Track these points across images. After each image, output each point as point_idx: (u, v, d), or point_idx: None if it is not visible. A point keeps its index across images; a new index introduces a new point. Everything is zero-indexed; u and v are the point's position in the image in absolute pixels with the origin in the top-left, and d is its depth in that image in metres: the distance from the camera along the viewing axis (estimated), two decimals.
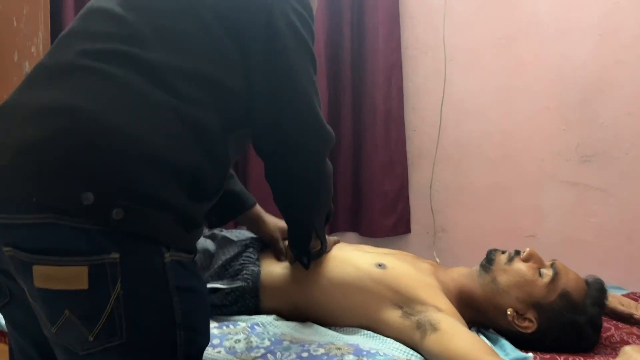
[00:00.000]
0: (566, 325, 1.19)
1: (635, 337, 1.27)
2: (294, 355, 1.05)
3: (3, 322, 0.96)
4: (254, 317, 1.21)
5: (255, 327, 1.16)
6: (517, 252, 1.26)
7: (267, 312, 1.24)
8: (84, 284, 0.75)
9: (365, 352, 1.05)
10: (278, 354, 1.06)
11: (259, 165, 1.12)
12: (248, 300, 1.25)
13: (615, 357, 1.10)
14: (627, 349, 1.07)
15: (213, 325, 1.15)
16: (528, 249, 1.26)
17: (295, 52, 0.95)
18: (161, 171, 0.80)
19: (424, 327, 1.10)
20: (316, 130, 1.01)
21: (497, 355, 1.04)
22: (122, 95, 0.81)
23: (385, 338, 1.14)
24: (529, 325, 1.20)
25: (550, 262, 1.25)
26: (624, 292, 1.55)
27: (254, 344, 1.10)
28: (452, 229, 2.09)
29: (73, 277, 0.75)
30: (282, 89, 0.95)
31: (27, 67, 1.84)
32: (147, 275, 0.79)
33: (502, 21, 1.97)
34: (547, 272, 1.22)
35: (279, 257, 1.33)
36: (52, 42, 1.45)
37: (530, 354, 1.12)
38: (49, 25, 1.86)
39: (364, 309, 1.19)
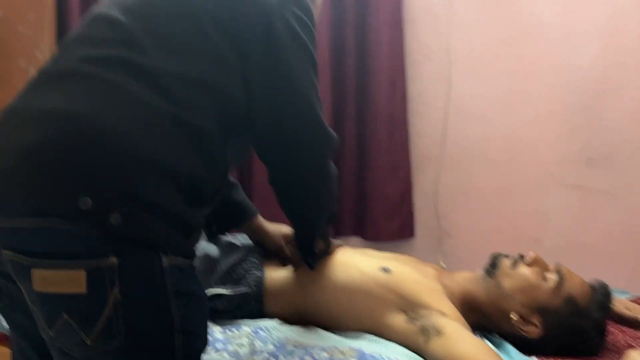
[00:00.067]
0: (571, 330, 1.19)
1: None
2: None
3: (6, 324, 0.97)
4: (257, 321, 1.21)
5: (259, 331, 1.16)
6: (522, 257, 1.26)
7: (271, 317, 1.24)
8: (82, 288, 0.75)
9: (369, 357, 1.05)
10: (282, 358, 1.06)
11: (263, 172, 1.12)
12: (252, 306, 1.25)
13: None
14: (632, 353, 1.07)
15: (217, 329, 1.16)
16: (532, 254, 1.25)
17: (295, 54, 0.95)
18: (159, 176, 0.81)
19: (428, 332, 1.10)
20: (316, 131, 1.01)
21: None
22: (120, 101, 0.82)
23: (389, 342, 1.13)
24: (533, 330, 1.19)
25: (555, 267, 1.25)
26: (629, 297, 1.54)
27: (258, 348, 1.10)
28: (456, 233, 2.08)
29: (71, 280, 0.75)
30: (281, 90, 0.96)
31: (33, 73, 1.85)
32: (145, 279, 0.79)
33: (506, 25, 1.97)
34: (552, 277, 1.22)
35: (284, 263, 1.33)
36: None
37: (535, 359, 1.12)
38: (54, 31, 1.87)
39: (368, 313, 1.19)
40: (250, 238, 1.38)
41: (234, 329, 1.16)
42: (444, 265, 2.00)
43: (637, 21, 1.81)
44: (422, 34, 2.08)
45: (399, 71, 2.06)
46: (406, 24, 2.08)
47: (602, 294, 1.22)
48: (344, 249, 1.35)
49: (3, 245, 0.79)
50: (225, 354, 1.08)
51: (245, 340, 1.11)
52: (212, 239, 1.34)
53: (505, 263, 1.26)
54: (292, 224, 1.18)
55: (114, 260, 0.76)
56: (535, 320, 1.19)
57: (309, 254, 1.21)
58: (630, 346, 1.24)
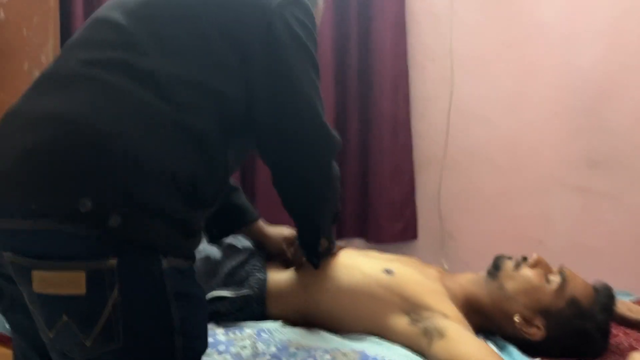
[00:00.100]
0: (574, 332, 1.18)
1: None
2: None
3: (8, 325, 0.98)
4: (260, 323, 1.21)
5: (262, 333, 1.16)
6: (524, 259, 1.26)
7: (274, 319, 1.24)
8: (81, 289, 0.76)
9: (371, 359, 1.05)
10: None
11: (266, 175, 1.13)
12: (254, 308, 1.25)
13: None
14: (636, 355, 1.06)
15: (219, 331, 1.16)
16: (535, 255, 1.25)
17: (295, 55, 0.96)
18: (158, 179, 0.81)
19: (430, 334, 1.10)
20: (317, 131, 1.02)
21: None
22: (120, 103, 0.82)
23: (391, 344, 1.13)
24: (536, 332, 1.19)
25: (558, 269, 1.25)
26: (633, 299, 1.54)
27: (260, 350, 1.10)
28: (459, 235, 2.08)
29: (71, 282, 0.76)
30: (282, 91, 0.96)
31: (37, 76, 1.86)
32: (145, 281, 0.80)
33: (509, 27, 1.97)
34: (555, 279, 1.21)
35: (287, 265, 1.33)
36: None
37: None
38: (58, 34, 1.88)
39: (371, 315, 1.19)
40: (252, 241, 1.39)
41: (236, 331, 1.16)
42: (447, 267, 2.00)
43: None
44: (424, 36, 2.09)
45: (401, 74, 2.07)
46: (409, 28, 2.08)
47: (605, 296, 1.22)
48: (346, 250, 1.36)
49: (3, 246, 0.79)
50: (227, 356, 1.08)
51: (247, 342, 1.12)
52: (213, 242, 1.34)
53: (508, 265, 1.26)
54: (296, 224, 1.18)
55: (113, 261, 0.76)
56: (538, 322, 1.19)
57: (314, 253, 1.21)
58: (634, 348, 1.23)
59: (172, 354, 0.82)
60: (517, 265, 1.25)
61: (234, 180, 1.33)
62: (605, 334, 1.21)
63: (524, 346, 1.19)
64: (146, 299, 0.80)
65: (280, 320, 1.24)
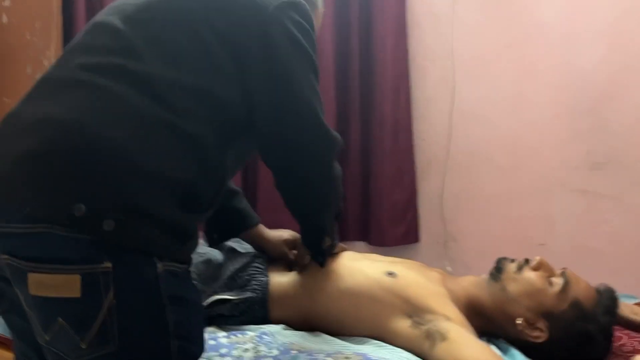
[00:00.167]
0: (577, 335, 1.18)
1: None
2: None
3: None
4: (262, 326, 1.21)
5: (264, 336, 1.16)
6: (527, 261, 1.26)
7: (276, 322, 1.24)
8: (76, 292, 0.76)
9: None
10: None
11: (269, 178, 1.13)
12: (257, 311, 1.25)
13: None
14: (639, 358, 1.06)
15: (221, 334, 1.16)
16: (538, 258, 1.25)
17: (294, 58, 0.96)
18: (153, 184, 0.81)
19: (433, 337, 1.10)
20: (317, 133, 1.02)
21: None
22: (114, 107, 0.82)
23: (394, 347, 1.13)
24: (539, 335, 1.19)
25: (561, 271, 1.24)
26: (636, 301, 1.53)
27: (262, 353, 1.10)
28: (461, 237, 2.08)
29: (66, 285, 0.76)
30: (281, 94, 0.96)
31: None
32: (140, 284, 0.80)
33: (510, 28, 1.97)
34: (558, 281, 1.21)
35: (289, 268, 1.34)
36: None
37: None
38: (61, 38, 1.89)
39: (374, 318, 1.19)
40: (252, 246, 1.39)
41: (238, 334, 1.16)
42: (450, 270, 2.00)
43: None
44: (426, 38, 2.09)
45: (403, 76, 2.07)
46: (410, 30, 2.08)
47: (608, 298, 1.22)
48: (349, 253, 1.36)
49: (1, 249, 0.80)
50: (229, 359, 1.08)
51: (249, 345, 1.11)
52: (213, 246, 1.34)
53: (511, 267, 1.26)
54: (300, 224, 1.19)
55: (108, 265, 0.77)
56: (541, 324, 1.19)
57: (319, 252, 1.22)
58: (637, 351, 1.23)
59: (168, 357, 0.82)
60: (520, 268, 1.24)
61: (234, 183, 1.33)
62: (608, 336, 1.21)
63: (526, 349, 1.19)
64: (141, 302, 0.80)
65: (282, 323, 1.24)
